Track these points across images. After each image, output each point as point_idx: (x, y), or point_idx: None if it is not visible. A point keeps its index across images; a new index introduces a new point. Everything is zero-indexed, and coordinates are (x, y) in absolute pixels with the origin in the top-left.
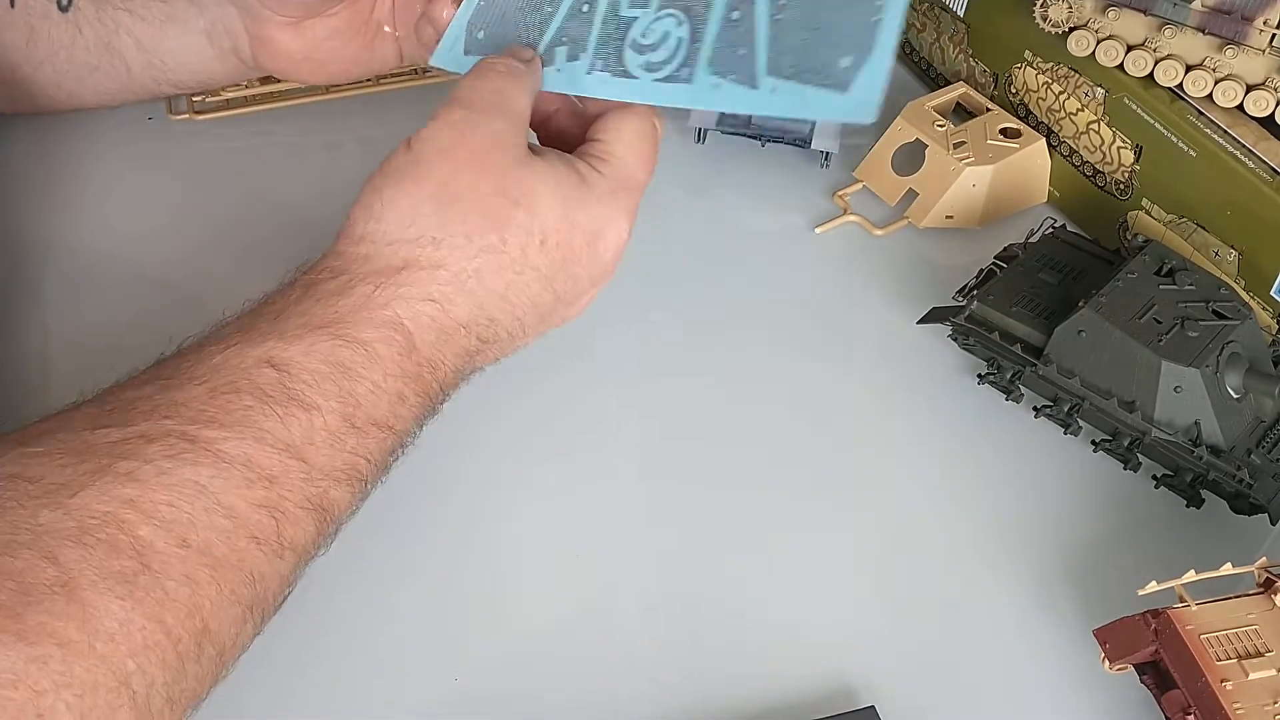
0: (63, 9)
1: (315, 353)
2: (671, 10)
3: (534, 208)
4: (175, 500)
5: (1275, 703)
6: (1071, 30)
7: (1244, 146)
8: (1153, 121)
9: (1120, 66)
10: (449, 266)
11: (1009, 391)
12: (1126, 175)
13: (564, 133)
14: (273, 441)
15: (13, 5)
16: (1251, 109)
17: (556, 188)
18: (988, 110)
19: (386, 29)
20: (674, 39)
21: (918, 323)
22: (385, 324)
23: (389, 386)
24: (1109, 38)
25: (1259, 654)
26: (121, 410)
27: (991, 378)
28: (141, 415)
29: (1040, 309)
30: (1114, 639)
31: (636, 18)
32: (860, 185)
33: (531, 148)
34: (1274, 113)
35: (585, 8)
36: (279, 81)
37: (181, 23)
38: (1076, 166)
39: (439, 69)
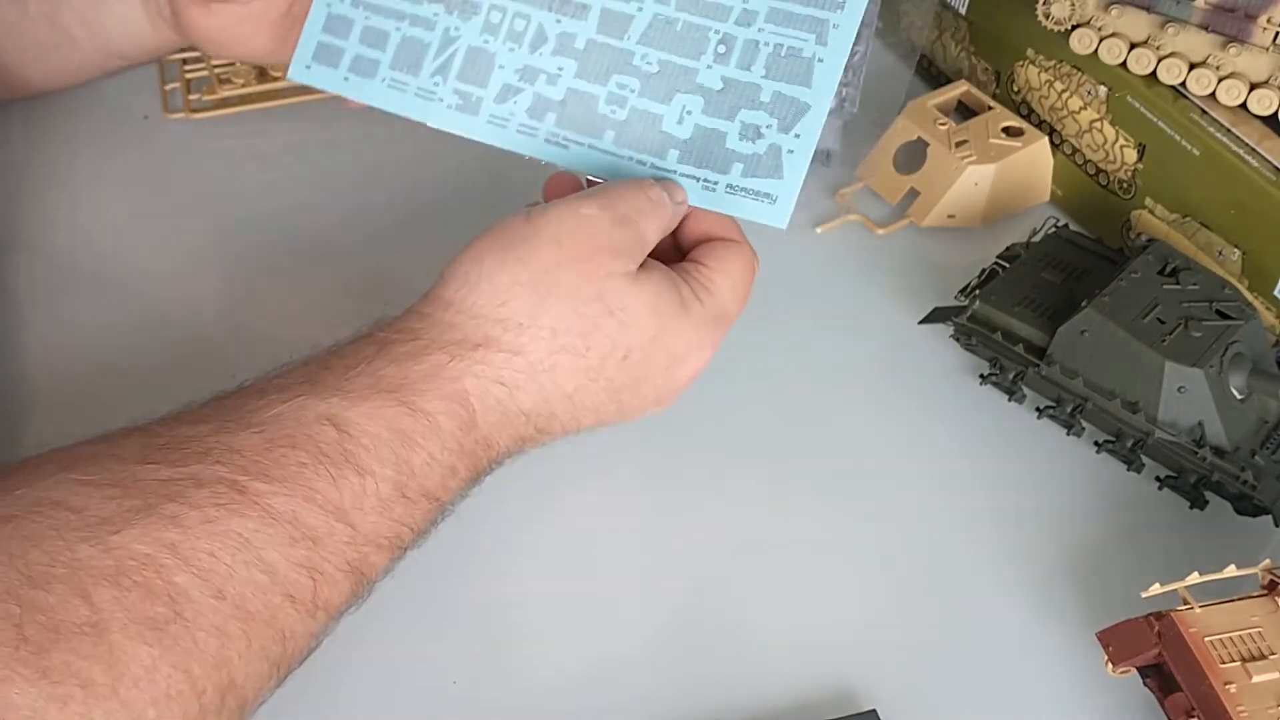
0: None
1: (379, 416)
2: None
3: (627, 322)
4: (216, 550)
5: (1279, 706)
6: (1074, 28)
7: (1248, 145)
8: (1156, 120)
9: (1123, 64)
10: (527, 355)
11: (1011, 392)
12: (1129, 174)
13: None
14: (322, 502)
15: None
16: (1255, 107)
17: (655, 309)
18: (990, 108)
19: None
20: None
21: (919, 323)
22: (452, 396)
23: (444, 460)
24: (1112, 35)
25: (1263, 656)
26: (175, 447)
27: (994, 378)
28: (194, 456)
29: (1043, 309)
30: (1117, 641)
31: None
32: (862, 184)
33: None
34: (1277, 111)
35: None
36: (275, 80)
37: None
38: (1079, 165)
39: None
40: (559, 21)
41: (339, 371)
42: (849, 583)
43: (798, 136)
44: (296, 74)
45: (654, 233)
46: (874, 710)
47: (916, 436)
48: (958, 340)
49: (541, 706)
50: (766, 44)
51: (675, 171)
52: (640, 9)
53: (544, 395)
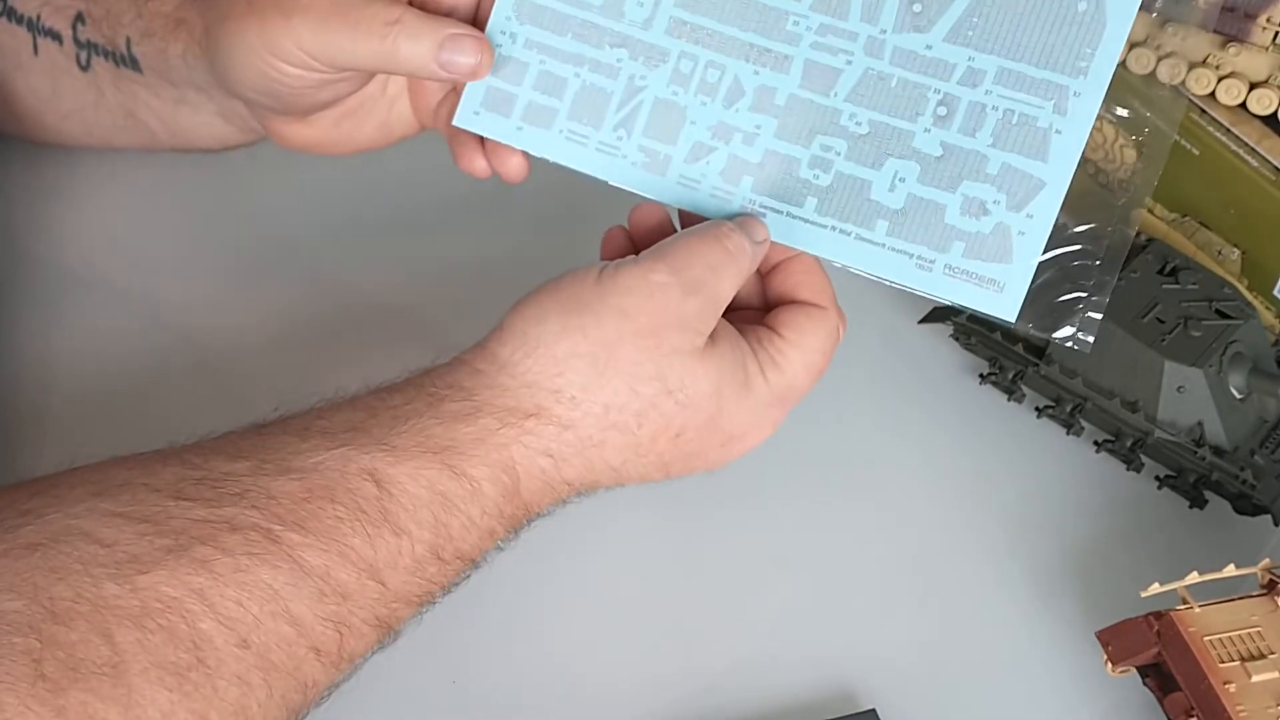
0: (82, 68)
1: (421, 477)
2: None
3: (685, 402)
4: (244, 600)
5: (1278, 705)
6: None
7: (1247, 145)
8: (1155, 120)
9: (1122, 64)
10: (577, 430)
11: (1011, 392)
12: (1129, 174)
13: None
14: (355, 559)
15: (36, 53)
16: (1254, 107)
17: (718, 389)
18: None
19: (402, 102)
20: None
21: (919, 322)
22: (498, 464)
23: (483, 524)
24: None
25: (1262, 656)
26: (210, 484)
27: (994, 378)
28: (230, 498)
29: None
30: (1116, 641)
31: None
32: None
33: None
34: (1277, 111)
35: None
36: None
37: (193, 105)
38: (1079, 165)
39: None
40: (757, 74)
41: (386, 423)
42: (848, 582)
43: (1030, 217)
44: (464, 120)
45: (730, 287)
46: (873, 710)
47: (916, 436)
48: (957, 340)
49: (541, 705)
50: (995, 108)
51: (884, 245)
52: (850, 62)
53: (590, 467)
